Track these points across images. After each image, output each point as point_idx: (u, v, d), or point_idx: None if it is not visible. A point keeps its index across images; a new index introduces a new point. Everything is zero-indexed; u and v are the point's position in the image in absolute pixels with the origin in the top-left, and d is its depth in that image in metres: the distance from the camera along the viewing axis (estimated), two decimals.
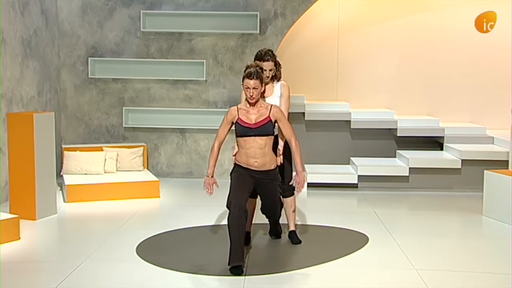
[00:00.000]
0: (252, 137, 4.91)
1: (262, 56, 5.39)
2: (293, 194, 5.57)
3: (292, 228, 5.64)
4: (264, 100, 5.27)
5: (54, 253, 5.34)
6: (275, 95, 5.46)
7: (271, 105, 5.01)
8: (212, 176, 4.95)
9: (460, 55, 9.11)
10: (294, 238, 5.57)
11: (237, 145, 5.09)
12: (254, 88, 4.87)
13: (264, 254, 5.32)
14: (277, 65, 5.48)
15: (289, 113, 5.46)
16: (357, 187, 8.04)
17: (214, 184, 4.94)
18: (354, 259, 5.16)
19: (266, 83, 5.40)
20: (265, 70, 5.33)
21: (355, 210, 7.07)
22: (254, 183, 5.01)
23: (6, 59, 6.95)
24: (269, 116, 4.94)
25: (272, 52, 5.44)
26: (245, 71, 4.93)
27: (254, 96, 4.89)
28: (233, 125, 5.03)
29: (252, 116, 4.94)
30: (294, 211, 5.63)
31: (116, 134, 8.67)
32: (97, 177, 7.55)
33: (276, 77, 5.50)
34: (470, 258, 5.25)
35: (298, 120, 8.51)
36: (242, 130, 4.93)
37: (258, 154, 4.92)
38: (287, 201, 5.59)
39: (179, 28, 8.49)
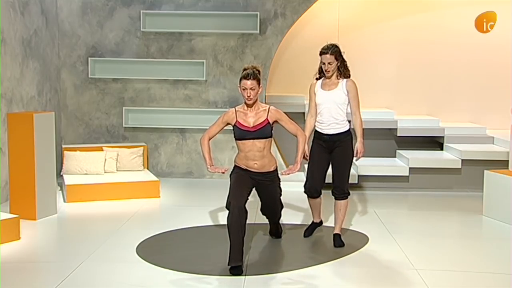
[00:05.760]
0: (251, 140, 4.92)
1: (322, 49, 5.36)
2: (346, 198, 5.50)
3: (337, 231, 5.55)
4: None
5: (54, 253, 5.35)
6: (339, 89, 5.38)
7: (269, 107, 5.01)
8: (212, 165, 4.96)
9: (460, 55, 9.11)
10: (337, 240, 5.48)
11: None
12: (251, 88, 4.88)
13: (264, 254, 5.32)
14: (340, 60, 5.38)
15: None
16: (357, 187, 8.04)
17: (219, 169, 4.92)
18: (354, 259, 5.16)
19: (328, 78, 5.41)
20: (324, 64, 5.34)
21: (355, 210, 7.06)
22: (253, 185, 5.02)
23: (6, 59, 6.96)
24: (267, 118, 4.94)
25: (333, 46, 5.37)
26: (242, 72, 4.94)
27: (251, 96, 4.89)
28: (227, 126, 5.05)
29: (250, 119, 4.94)
30: (343, 215, 5.55)
31: (116, 134, 8.67)
32: (97, 177, 7.55)
33: (343, 74, 5.41)
34: (470, 258, 5.25)
35: (298, 121, 8.42)
36: (241, 134, 4.93)
37: (257, 157, 4.94)
38: (337, 203, 5.53)
39: (179, 28, 8.49)
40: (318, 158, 5.44)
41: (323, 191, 5.59)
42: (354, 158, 5.44)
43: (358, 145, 5.41)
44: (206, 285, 4.54)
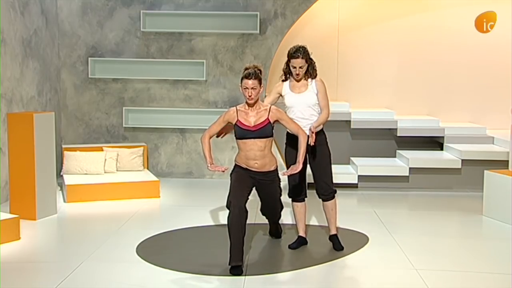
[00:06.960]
0: (252, 140, 4.91)
1: (292, 53, 5.22)
2: (333, 198, 5.39)
3: (333, 232, 5.47)
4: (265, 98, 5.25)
5: (54, 253, 5.35)
6: (310, 90, 5.27)
7: (270, 106, 5.00)
8: (213, 163, 4.94)
9: (460, 55, 9.10)
10: (336, 244, 5.39)
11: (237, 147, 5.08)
12: (252, 88, 4.87)
13: (264, 254, 5.32)
14: (309, 62, 5.27)
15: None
16: (357, 187, 8.04)
17: (219, 167, 4.87)
18: (354, 259, 5.16)
19: (298, 80, 5.28)
20: (295, 68, 5.21)
21: (355, 210, 7.06)
22: (254, 184, 5.02)
23: (6, 59, 6.96)
24: (268, 118, 4.94)
25: (304, 49, 5.23)
26: (243, 72, 4.94)
27: (252, 96, 4.88)
28: (228, 125, 5.04)
29: (251, 119, 4.94)
30: (335, 214, 5.44)
31: (116, 134, 8.67)
32: (97, 177, 7.55)
33: (310, 75, 5.30)
34: (470, 258, 5.25)
35: None
36: (242, 133, 4.92)
37: (258, 156, 4.93)
38: (327, 205, 5.42)
39: (179, 28, 8.49)
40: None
41: (311, 194, 5.50)
42: (309, 140, 5.09)
43: (313, 125, 5.14)
44: (206, 285, 4.54)
